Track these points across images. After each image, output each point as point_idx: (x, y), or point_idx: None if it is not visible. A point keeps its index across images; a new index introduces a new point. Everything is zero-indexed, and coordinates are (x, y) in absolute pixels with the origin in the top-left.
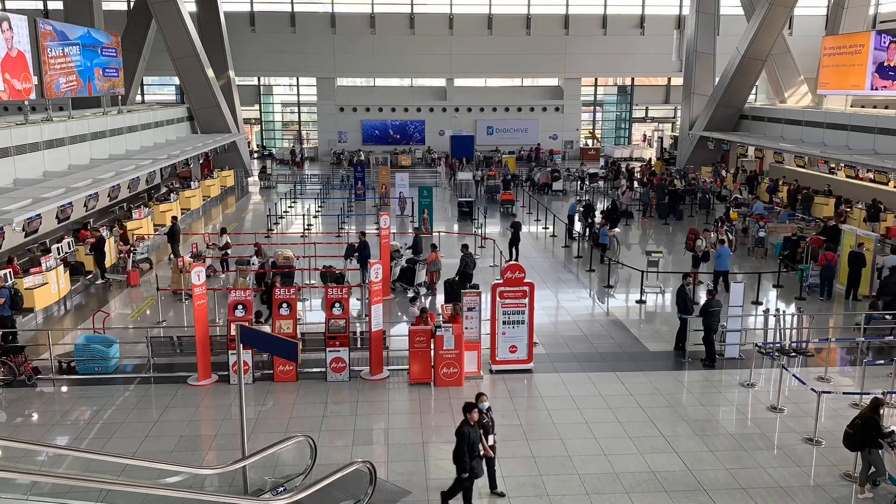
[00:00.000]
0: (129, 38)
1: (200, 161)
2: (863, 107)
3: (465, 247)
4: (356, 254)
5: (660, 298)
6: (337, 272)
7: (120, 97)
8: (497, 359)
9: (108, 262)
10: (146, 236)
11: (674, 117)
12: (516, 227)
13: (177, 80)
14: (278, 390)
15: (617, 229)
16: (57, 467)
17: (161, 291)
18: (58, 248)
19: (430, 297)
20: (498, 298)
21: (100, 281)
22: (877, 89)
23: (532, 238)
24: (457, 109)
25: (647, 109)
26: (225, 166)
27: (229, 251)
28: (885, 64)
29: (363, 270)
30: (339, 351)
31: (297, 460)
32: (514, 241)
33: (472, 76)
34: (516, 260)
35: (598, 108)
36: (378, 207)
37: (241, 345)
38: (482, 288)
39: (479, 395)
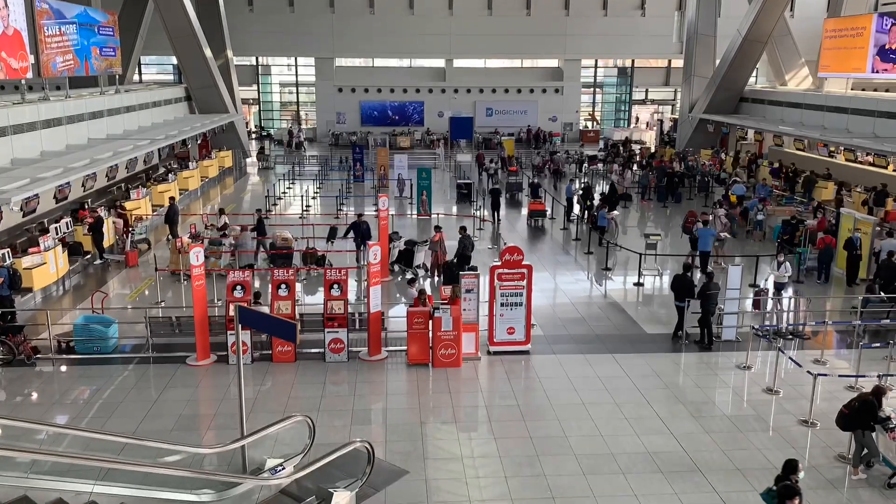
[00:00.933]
0: (127, 16)
1: (198, 141)
2: (863, 90)
3: (463, 229)
4: (349, 233)
5: (657, 281)
6: (319, 254)
7: (117, 76)
8: (495, 340)
9: (106, 243)
10: (144, 216)
11: (674, 99)
12: (495, 194)
13: (174, 60)
14: (277, 370)
15: (615, 212)
16: (56, 446)
17: (159, 272)
18: (56, 228)
19: (428, 279)
20: (496, 280)
21: (98, 261)
22: (878, 72)
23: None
24: (456, 91)
25: (646, 91)
26: (223, 147)
27: (227, 231)
28: (887, 47)
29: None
30: (337, 332)
31: (296, 440)
32: (495, 207)
33: (471, 57)
34: (499, 223)
35: (597, 89)
36: (376, 189)
37: (240, 325)
38: (480, 270)
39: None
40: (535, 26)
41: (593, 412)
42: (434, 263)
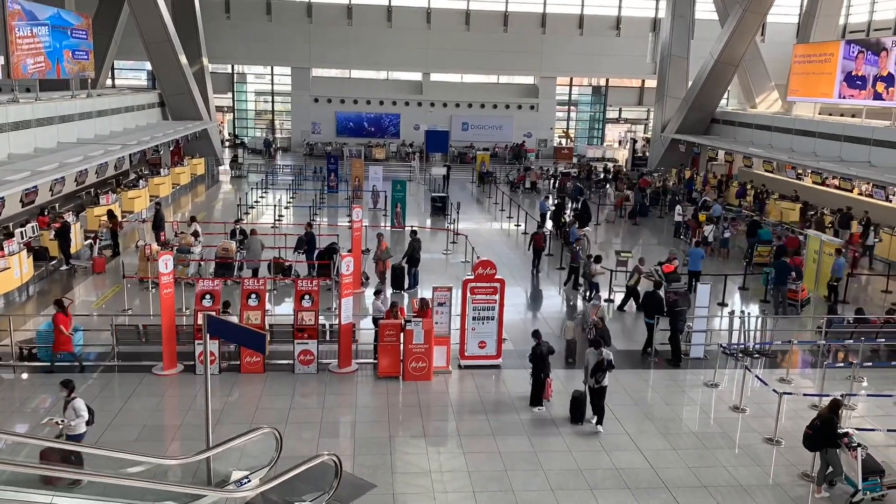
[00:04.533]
0: (101, 20)
1: (171, 148)
2: (830, 114)
3: (413, 232)
4: (306, 246)
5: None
6: (286, 264)
7: (89, 80)
8: (466, 354)
9: (72, 248)
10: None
11: (647, 119)
12: (448, 168)
13: (149, 66)
14: (245, 381)
15: (588, 228)
16: (15, 455)
17: (127, 279)
18: (21, 233)
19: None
20: (469, 294)
21: (64, 267)
22: (844, 98)
23: (503, 234)
24: (432, 104)
25: (620, 110)
26: (196, 154)
27: (199, 239)
28: (853, 73)
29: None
30: (307, 343)
31: (263, 452)
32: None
33: (448, 71)
34: (447, 188)
35: (572, 107)
36: (351, 200)
37: (208, 335)
38: (453, 283)
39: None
40: (512, 43)
41: (562, 427)
42: (379, 271)
